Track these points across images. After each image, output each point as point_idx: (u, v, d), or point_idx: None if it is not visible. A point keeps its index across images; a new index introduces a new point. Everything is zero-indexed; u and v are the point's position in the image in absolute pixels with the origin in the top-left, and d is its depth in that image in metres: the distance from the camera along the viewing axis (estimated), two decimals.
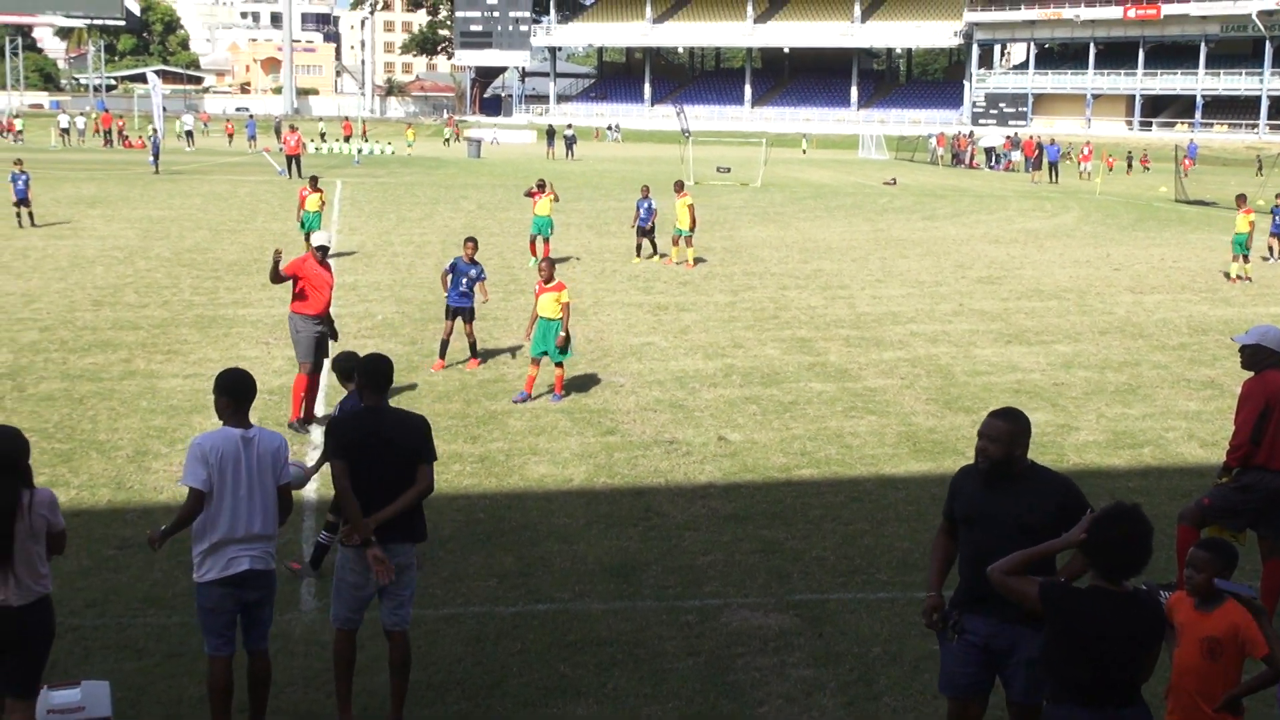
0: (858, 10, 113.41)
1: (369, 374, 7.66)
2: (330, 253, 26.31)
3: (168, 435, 13.76)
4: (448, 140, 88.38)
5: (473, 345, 17.54)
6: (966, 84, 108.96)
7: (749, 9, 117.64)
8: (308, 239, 26.53)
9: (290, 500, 7.50)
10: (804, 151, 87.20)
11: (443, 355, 17.36)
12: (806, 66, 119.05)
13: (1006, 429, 6.24)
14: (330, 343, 14.73)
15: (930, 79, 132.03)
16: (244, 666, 7.45)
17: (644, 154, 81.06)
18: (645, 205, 28.48)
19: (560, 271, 26.44)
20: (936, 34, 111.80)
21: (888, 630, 9.15)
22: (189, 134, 75.51)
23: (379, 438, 7.43)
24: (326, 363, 14.22)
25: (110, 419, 14.38)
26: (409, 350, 18.33)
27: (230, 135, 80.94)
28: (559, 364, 15.78)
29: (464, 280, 17.23)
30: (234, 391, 7.30)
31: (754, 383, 17.00)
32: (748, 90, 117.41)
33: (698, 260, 28.37)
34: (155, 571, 9.95)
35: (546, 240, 28.16)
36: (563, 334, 15.48)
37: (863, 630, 9.18)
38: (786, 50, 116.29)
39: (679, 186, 28.82)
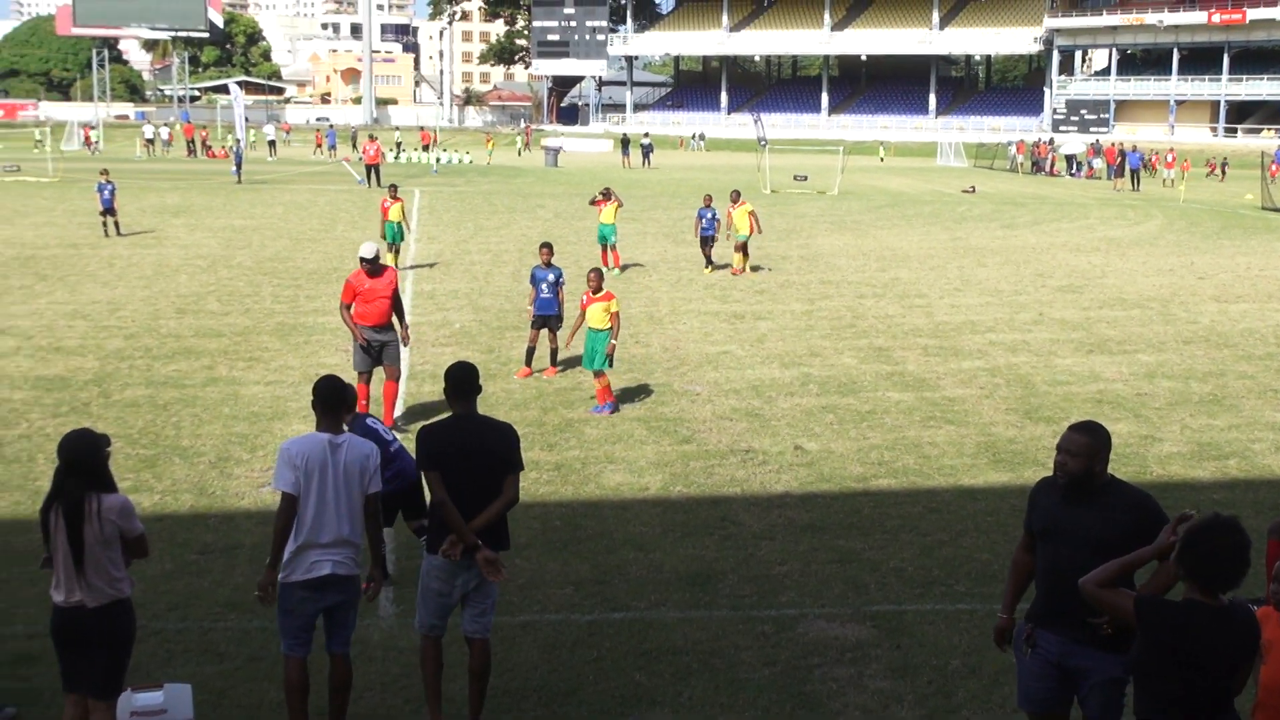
0: (936, 17, 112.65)
1: (453, 382, 7.65)
2: (403, 262, 26.91)
3: (249, 442, 13.95)
4: (520, 150, 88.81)
5: (554, 353, 17.58)
6: (1047, 90, 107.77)
7: (826, 17, 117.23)
8: (392, 249, 26.83)
9: (378, 509, 7.52)
10: (881, 159, 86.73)
11: (529, 362, 17.46)
12: (884, 74, 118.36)
13: (1086, 443, 6.14)
14: (391, 352, 14.59)
15: (1010, 85, 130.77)
16: (325, 670, 7.53)
17: (721, 162, 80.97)
18: (708, 215, 28.27)
19: (635, 279, 26.74)
20: (1016, 40, 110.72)
21: (967, 642, 9.06)
22: (271, 144, 76.60)
23: (470, 446, 7.45)
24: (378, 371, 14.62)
25: (193, 425, 14.60)
26: (486, 358, 18.43)
27: (319, 145, 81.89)
28: (599, 373, 15.53)
29: (544, 286, 17.22)
30: (325, 398, 7.39)
31: (831, 392, 16.91)
32: (824, 98, 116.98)
33: (753, 269, 28.25)
34: (237, 576, 10.08)
35: (613, 247, 28.28)
36: (612, 343, 15.35)
37: (941, 642, 9.09)
38: (864, 57, 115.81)
39: (735, 196, 28.54)
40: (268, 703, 7.98)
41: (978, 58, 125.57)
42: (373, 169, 51.94)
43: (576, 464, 13.40)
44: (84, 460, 6.80)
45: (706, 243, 28.27)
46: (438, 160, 71.73)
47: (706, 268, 28.17)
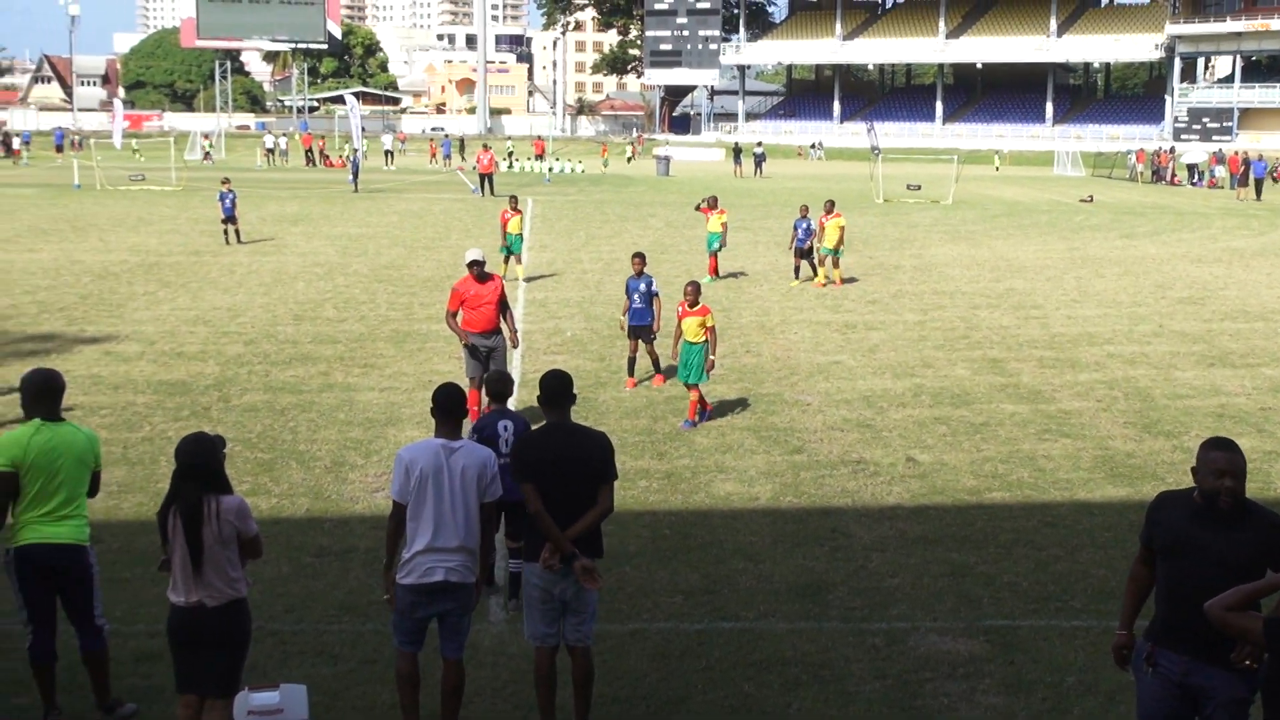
0: (1053, 24, 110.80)
1: (547, 391, 7.68)
2: (526, 273, 27.07)
3: (364, 447, 14.16)
4: (630, 158, 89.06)
5: (655, 363, 17.51)
6: (1168, 98, 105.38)
7: (941, 24, 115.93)
8: (514, 260, 26.88)
9: (491, 516, 7.55)
10: (997, 168, 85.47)
11: (631, 373, 17.38)
12: (1000, 82, 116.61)
13: (1243, 462, 5.96)
14: (499, 356, 14.84)
15: (1129, 93, 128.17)
16: (438, 674, 7.61)
17: (834, 171, 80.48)
18: (803, 225, 27.80)
19: (746, 288, 26.68)
20: (1136, 47, 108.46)
21: (1082, 659, 8.89)
22: (388, 154, 77.80)
23: (564, 456, 7.47)
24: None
25: (309, 430, 14.87)
26: (597, 366, 18.53)
27: (433, 155, 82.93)
28: (694, 386, 15.28)
29: (635, 296, 17.10)
30: (444, 405, 7.48)
31: (944, 403, 16.73)
32: (939, 106, 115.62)
33: (846, 280, 27.72)
34: (351, 579, 10.24)
35: (714, 255, 28.19)
36: (711, 358, 15.19)
37: (1056, 658, 8.94)
38: (979, 65, 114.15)
39: (829, 207, 27.96)
40: (381, 704, 8.08)
41: (1096, 65, 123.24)
42: (486, 178, 52.44)
43: (687, 473, 13.40)
44: (201, 463, 6.94)
45: (800, 253, 27.87)
46: (550, 169, 72.21)
47: (794, 280, 27.67)
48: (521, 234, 27.83)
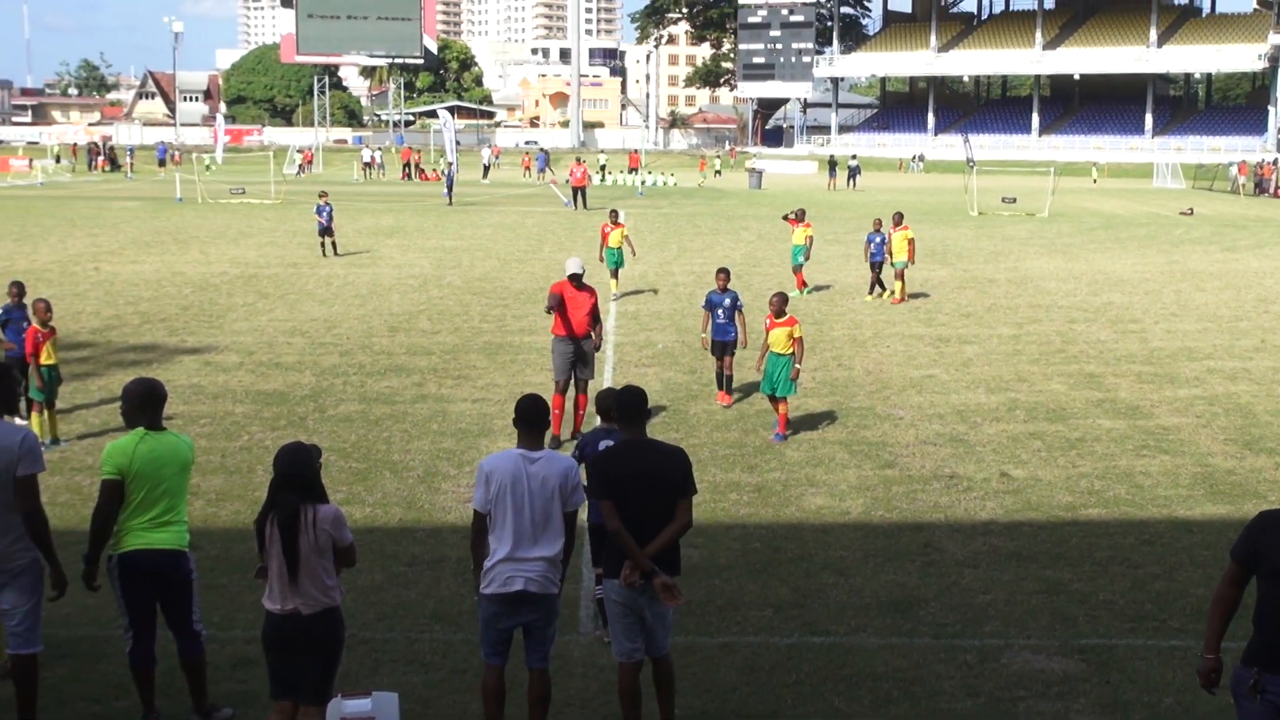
0: (1153, 35, 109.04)
1: (621, 407, 7.68)
2: (621, 289, 27.03)
3: (456, 457, 14.28)
4: (718, 171, 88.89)
5: (728, 380, 17.12)
6: (1271, 109, 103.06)
7: (1038, 35, 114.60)
8: (612, 275, 26.66)
9: (573, 525, 7.53)
10: (1094, 180, 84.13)
11: (721, 386, 17.20)
12: (1097, 93, 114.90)
13: None
14: (588, 359, 15.18)
15: (1231, 104, 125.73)
16: (525, 684, 7.65)
17: (927, 184, 79.82)
18: (876, 239, 27.27)
19: (837, 301, 26.54)
20: (1239, 57, 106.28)
21: (1180, 680, 8.72)
22: (486, 167, 78.49)
23: (641, 472, 7.44)
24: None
25: (403, 440, 15.02)
26: (688, 379, 18.52)
27: (526, 168, 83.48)
28: (783, 399, 15.31)
29: (720, 312, 16.87)
30: (525, 415, 7.50)
31: (1039, 418, 16.51)
32: (1035, 118, 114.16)
33: (912, 296, 27.07)
34: (442, 589, 10.33)
35: (798, 269, 27.96)
36: (796, 367, 15.13)
37: (1153, 679, 8.78)
38: (1076, 77, 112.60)
39: (897, 219, 27.24)
40: (471, 714, 8.12)
41: (1197, 75, 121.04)
42: (579, 191, 52.61)
43: (777, 486, 13.36)
44: (299, 473, 7.04)
45: (875, 267, 27.28)
46: (643, 182, 72.43)
47: (870, 294, 27.25)
48: (622, 248, 27.16)
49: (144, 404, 7.83)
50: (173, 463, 7.75)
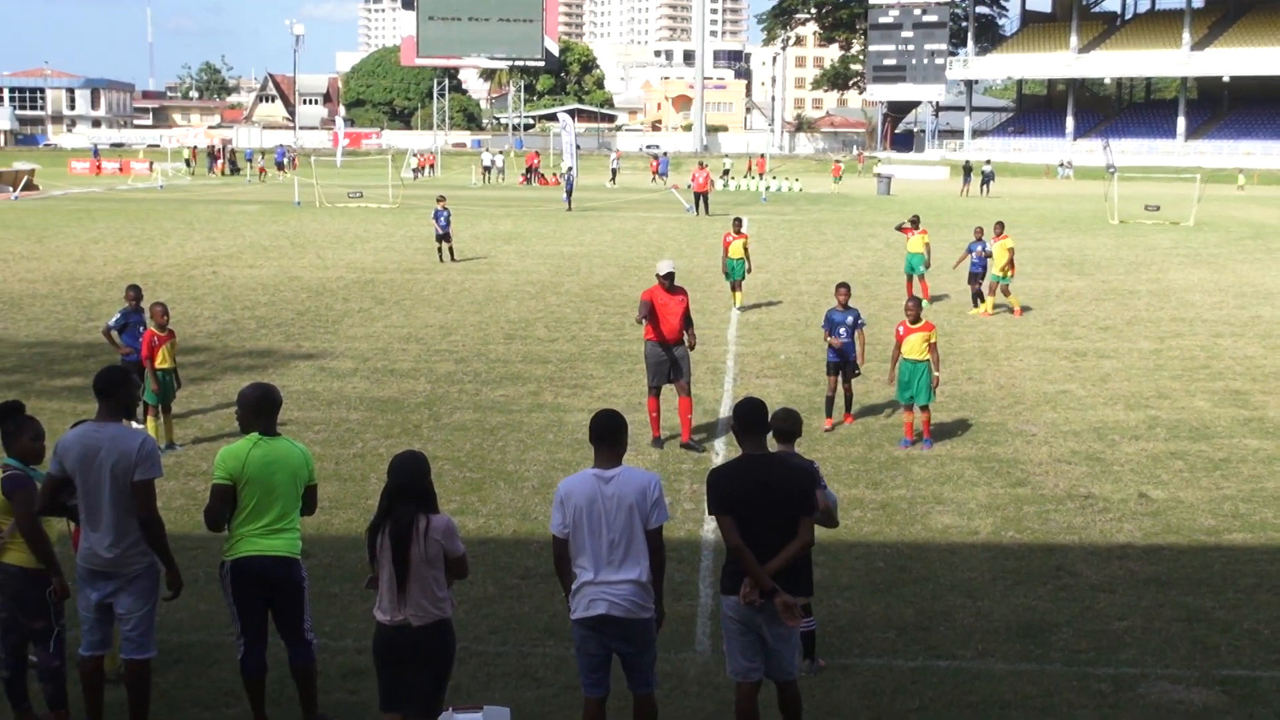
0: None
1: (741, 419, 7.44)
2: (744, 300, 26.65)
3: (572, 468, 14.02)
4: (837, 179, 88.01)
5: (849, 400, 16.49)
6: None
7: (1186, 35, 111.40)
8: (734, 288, 26.09)
9: (659, 543, 7.26)
10: (1240, 188, 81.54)
11: (830, 412, 16.29)
12: (1248, 96, 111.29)
13: None
14: (682, 363, 15.06)
15: None
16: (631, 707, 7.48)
17: (1066, 191, 78.24)
18: (978, 249, 26.19)
19: (966, 311, 25.89)
20: None
21: None
22: (613, 172, 78.83)
23: (763, 488, 7.24)
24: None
25: (518, 450, 14.96)
26: (810, 391, 18.19)
27: (654, 172, 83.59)
28: (924, 407, 15.12)
29: (840, 330, 15.99)
30: (596, 432, 7.29)
31: (1181, 437, 15.92)
32: (1181, 122, 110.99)
33: (1023, 309, 25.91)
34: (556, 603, 10.14)
35: (921, 278, 27.17)
36: (936, 374, 15.01)
37: None
38: (1226, 79, 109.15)
39: (999, 228, 26.19)
40: None
41: None
42: (701, 196, 52.35)
43: (903, 504, 13.03)
44: (415, 482, 6.97)
45: (974, 279, 26.25)
46: (766, 188, 72.08)
47: (974, 307, 26.14)
48: (745, 259, 26.33)
49: (259, 409, 7.84)
50: (285, 469, 7.74)
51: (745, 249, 26.42)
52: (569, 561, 7.18)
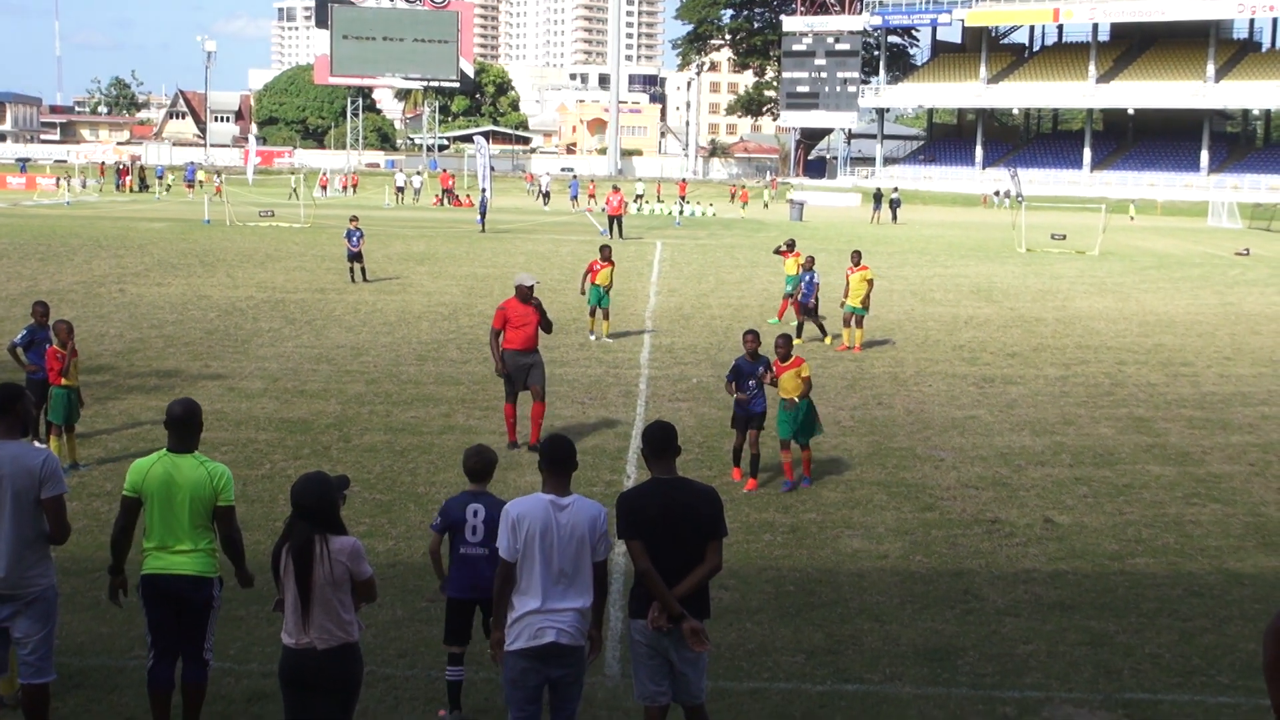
0: (1211, 69, 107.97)
1: (651, 443, 7.40)
2: (613, 329, 26.38)
3: None
4: (766, 204, 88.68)
5: (755, 460, 14.66)
6: None
7: (1091, 68, 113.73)
8: (593, 314, 25.40)
9: (605, 574, 7.26)
10: (1131, 218, 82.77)
11: (737, 461, 14.97)
12: (1152, 128, 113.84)
13: None
14: (536, 370, 16.01)
15: None
16: None
17: (972, 219, 79.37)
18: (807, 279, 25.29)
19: (878, 339, 26.14)
20: None
21: None
22: (545, 195, 78.69)
23: (671, 511, 7.20)
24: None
25: (429, 472, 14.81)
26: (723, 414, 18.11)
27: (592, 195, 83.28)
28: (805, 445, 14.55)
29: (749, 384, 14.43)
30: (550, 458, 7.19)
31: (1085, 463, 16.14)
32: (1087, 153, 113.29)
33: (864, 345, 24.74)
34: None
35: (788, 298, 27.35)
36: (800, 402, 14.28)
37: None
38: (1131, 111, 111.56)
39: (855, 258, 25.25)
40: None
41: (1256, 112, 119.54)
42: (615, 220, 52.34)
43: (813, 528, 13.08)
44: (313, 503, 6.86)
45: (805, 310, 25.26)
46: (681, 212, 72.36)
47: (798, 338, 24.55)
48: (610, 287, 25.45)
49: (170, 424, 7.84)
50: (184, 488, 7.65)
51: (611, 278, 25.59)
52: (513, 585, 7.04)
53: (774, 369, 14.49)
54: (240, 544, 7.97)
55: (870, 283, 24.72)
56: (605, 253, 25.92)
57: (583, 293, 25.81)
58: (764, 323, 26.56)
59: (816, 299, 25.47)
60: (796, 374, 14.44)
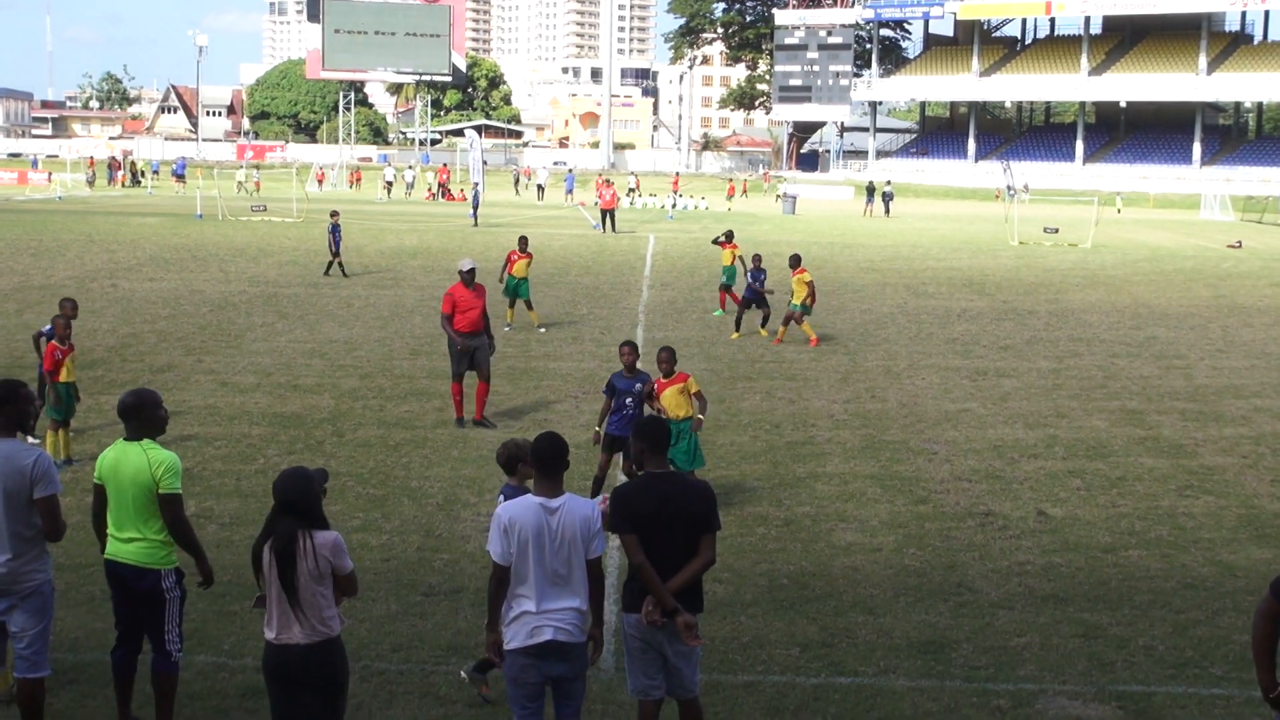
0: (1203, 62, 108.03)
1: (648, 439, 7.41)
2: (541, 320, 26.13)
3: (476, 485, 14.02)
4: (778, 196, 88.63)
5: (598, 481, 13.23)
6: None
7: (1084, 61, 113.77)
8: (511, 304, 25.30)
9: (600, 571, 7.23)
10: (1118, 211, 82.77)
11: (596, 493, 12.64)
12: (1144, 121, 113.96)
13: None
14: (483, 352, 16.82)
15: None
16: None
17: (967, 212, 79.42)
18: (762, 277, 25.45)
19: (872, 331, 26.17)
20: None
21: None
22: (540, 188, 78.62)
23: (665, 506, 7.21)
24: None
25: (422, 467, 14.81)
26: (717, 408, 18.18)
27: (574, 192, 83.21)
28: (691, 473, 12.07)
29: (626, 401, 12.91)
30: (542, 457, 7.12)
31: (1078, 455, 16.16)
32: (1079, 146, 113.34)
33: (820, 338, 24.73)
34: (460, 620, 10.10)
35: (725, 289, 27.71)
36: (700, 418, 12.83)
37: None
38: (1123, 104, 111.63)
39: (794, 261, 24.87)
40: None
41: (1248, 104, 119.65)
42: (608, 214, 52.39)
43: (807, 521, 13.09)
44: (296, 498, 6.84)
45: (746, 303, 25.36)
46: (673, 205, 72.30)
47: (737, 331, 25.39)
48: (527, 279, 25.59)
49: (120, 413, 7.90)
50: (128, 475, 7.70)
51: (528, 270, 25.72)
52: (507, 588, 7.00)
53: (655, 385, 12.82)
54: (189, 535, 7.83)
55: (810, 284, 24.51)
56: (523, 244, 26.26)
57: (500, 282, 25.61)
58: (711, 315, 27.25)
59: (761, 285, 25.40)
60: (681, 390, 12.70)
